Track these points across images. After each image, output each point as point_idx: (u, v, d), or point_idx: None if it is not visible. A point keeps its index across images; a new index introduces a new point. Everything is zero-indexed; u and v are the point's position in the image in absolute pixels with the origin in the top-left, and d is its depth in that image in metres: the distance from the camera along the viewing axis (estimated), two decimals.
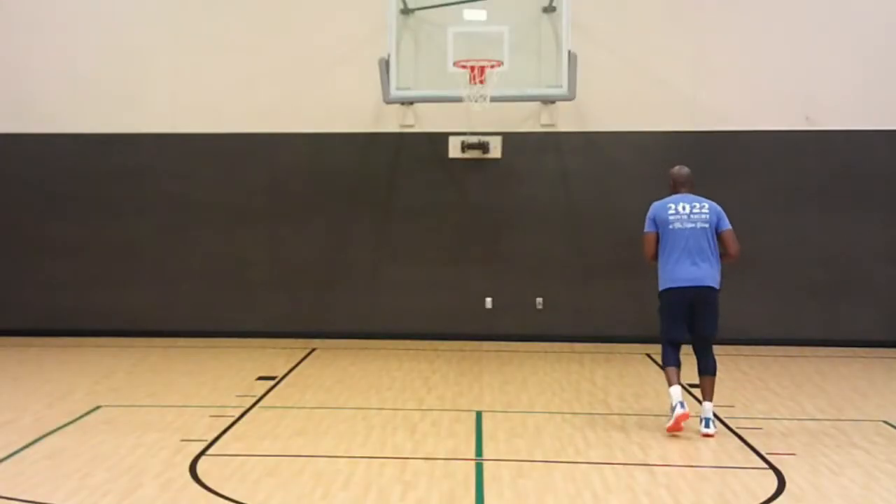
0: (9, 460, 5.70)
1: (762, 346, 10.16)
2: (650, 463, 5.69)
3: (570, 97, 9.12)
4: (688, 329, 6.44)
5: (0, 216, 10.82)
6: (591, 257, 10.36)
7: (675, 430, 6.26)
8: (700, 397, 6.53)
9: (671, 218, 6.40)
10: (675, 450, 5.98)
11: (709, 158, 10.33)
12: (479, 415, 6.94)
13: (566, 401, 7.46)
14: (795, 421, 6.82)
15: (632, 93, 10.31)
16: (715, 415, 6.57)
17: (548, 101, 10.05)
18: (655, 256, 6.54)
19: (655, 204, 6.59)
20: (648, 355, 9.53)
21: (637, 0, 10.42)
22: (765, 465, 5.64)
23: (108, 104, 10.66)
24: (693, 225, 6.35)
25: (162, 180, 10.68)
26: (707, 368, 6.41)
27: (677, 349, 6.44)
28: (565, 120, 10.39)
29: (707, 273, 6.31)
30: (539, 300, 10.50)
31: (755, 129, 10.30)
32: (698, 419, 6.40)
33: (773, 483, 5.28)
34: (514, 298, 10.48)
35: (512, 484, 5.22)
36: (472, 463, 5.65)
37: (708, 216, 6.39)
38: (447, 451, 5.92)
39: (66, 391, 7.76)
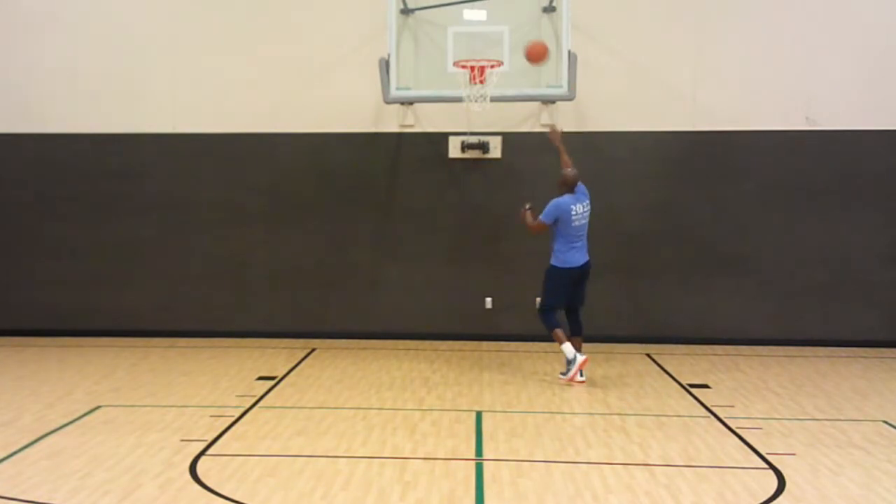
0: (9, 460, 5.70)
1: (762, 346, 10.16)
2: (650, 463, 5.69)
3: (570, 97, 9.11)
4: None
5: (0, 216, 10.83)
6: (590, 257, 10.34)
7: (574, 379, 8.03)
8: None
9: (573, 217, 8.06)
10: (675, 450, 5.98)
11: (709, 158, 10.37)
12: (479, 415, 6.95)
13: (566, 401, 7.46)
14: (795, 421, 6.82)
15: (632, 93, 10.31)
16: (714, 415, 7.05)
17: (548, 101, 10.04)
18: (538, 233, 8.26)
19: (560, 202, 8.10)
20: (648, 355, 9.53)
21: (637, 0, 10.42)
22: (765, 465, 5.64)
23: (108, 104, 10.66)
24: (584, 221, 8.18)
25: (162, 180, 10.68)
26: (580, 330, 8.29)
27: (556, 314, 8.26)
28: (565, 120, 10.37)
29: (587, 256, 8.28)
30: (539, 300, 10.47)
31: (755, 129, 10.29)
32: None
33: (773, 483, 5.29)
34: (514, 298, 10.47)
35: (512, 484, 5.22)
36: (472, 463, 5.65)
37: (589, 211, 8.21)
38: (447, 451, 5.92)
39: (66, 391, 7.77)
